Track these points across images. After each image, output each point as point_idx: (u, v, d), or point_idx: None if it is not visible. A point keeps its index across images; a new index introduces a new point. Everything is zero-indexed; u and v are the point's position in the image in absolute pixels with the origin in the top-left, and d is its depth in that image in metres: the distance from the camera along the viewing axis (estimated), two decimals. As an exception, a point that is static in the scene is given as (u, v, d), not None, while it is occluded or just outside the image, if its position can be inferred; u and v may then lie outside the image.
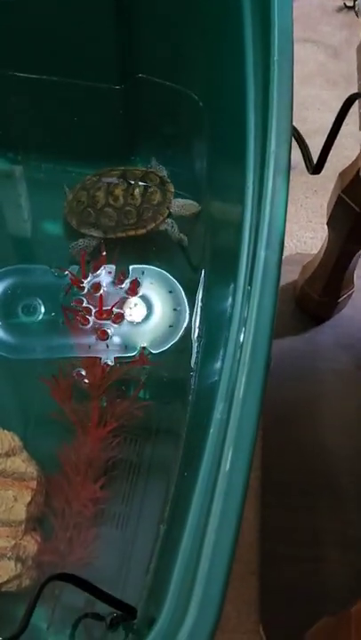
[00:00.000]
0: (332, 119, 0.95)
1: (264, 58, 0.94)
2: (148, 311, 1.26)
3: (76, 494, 1.09)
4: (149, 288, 1.28)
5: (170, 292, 1.27)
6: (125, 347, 1.22)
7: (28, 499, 1.06)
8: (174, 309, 1.26)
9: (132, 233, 1.29)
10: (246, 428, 0.71)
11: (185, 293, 1.27)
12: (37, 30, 1.25)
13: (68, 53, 1.28)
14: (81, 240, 1.31)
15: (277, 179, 0.83)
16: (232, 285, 0.87)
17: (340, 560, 1.23)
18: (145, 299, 1.27)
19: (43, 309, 1.25)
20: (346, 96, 0.94)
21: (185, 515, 0.76)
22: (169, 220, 1.29)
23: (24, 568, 1.02)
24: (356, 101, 0.89)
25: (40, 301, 1.26)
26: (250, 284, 0.81)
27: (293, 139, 0.97)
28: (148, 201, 1.28)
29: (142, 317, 1.25)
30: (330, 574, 1.20)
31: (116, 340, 1.22)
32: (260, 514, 1.24)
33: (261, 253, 0.79)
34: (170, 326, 1.25)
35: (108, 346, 1.21)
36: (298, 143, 0.96)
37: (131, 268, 1.29)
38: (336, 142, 0.95)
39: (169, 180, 1.31)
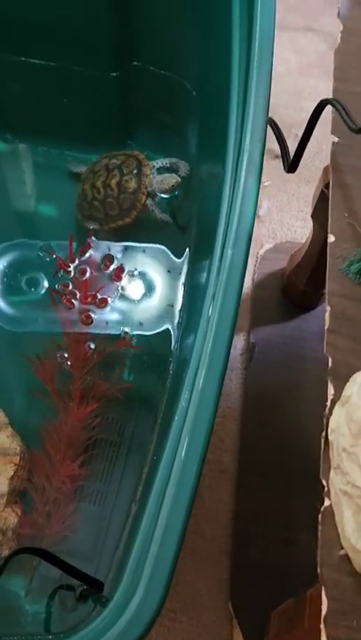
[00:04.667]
0: (329, 111, 0.95)
1: (248, 57, 0.97)
2: (146, 290, 1.28)
3: (56, 471, 1.12)
4: (147, 268, 1.29)
5: (168, 271, 1.29)
6: (110, 330, 1.24)
7: (11, 473, 1.09)
8: (172, 289, 1.27)
9: (120, 223, 1.30)
10: (202, 419, 0.75)
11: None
12: (35, 13, 1.27)
13: (66, 39, 1.31)
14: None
15: (249, 177, 0.86)
16: (206, 271, 0.90)
17: (311, 543, 1.26)
18: (143, 278, 1.29)
19: (32, 289, 1.28)
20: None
21: (148, 496, 0.80)
22: (149, 202, 1.29)
23: (4, 538, 1.06)
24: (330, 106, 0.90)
25: (31, 281, 1.28)
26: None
27: (275, 137, 1.00)
28: (125, 190, 1.28)
29: (139, 297, 1.27)
30: (300, 556, 1.23)
31: (101, 323, 1.24)
32: (234, 496, 1.27)
33: (228, 252, 0.82)
34: (169, 305, 1.26)
35: (92, 329, 1.24)
36: (278, 141, 0.98)
37: (125, 245, 1.30)
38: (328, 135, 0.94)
39: (146, 162, 1.30)
